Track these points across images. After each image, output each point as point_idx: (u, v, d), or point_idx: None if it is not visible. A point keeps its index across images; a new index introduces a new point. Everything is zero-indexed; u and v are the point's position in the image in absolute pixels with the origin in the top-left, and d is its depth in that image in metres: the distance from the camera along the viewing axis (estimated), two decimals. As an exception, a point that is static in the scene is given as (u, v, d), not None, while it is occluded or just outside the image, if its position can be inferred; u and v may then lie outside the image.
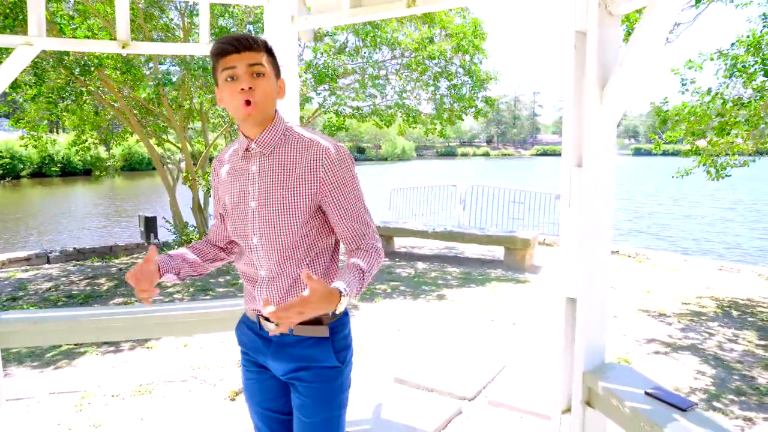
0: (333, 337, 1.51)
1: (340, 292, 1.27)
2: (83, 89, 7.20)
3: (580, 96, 1.85)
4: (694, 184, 21.72)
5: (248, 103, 1.38)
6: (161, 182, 8.98)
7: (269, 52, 1.45)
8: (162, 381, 3.74)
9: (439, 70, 7.40)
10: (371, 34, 6.66)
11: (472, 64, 7.50)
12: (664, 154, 6.71)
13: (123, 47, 2.48)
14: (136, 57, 6.89)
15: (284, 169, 1.44)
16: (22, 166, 34.56)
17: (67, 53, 6.42)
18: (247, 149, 1.47)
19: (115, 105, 7.58)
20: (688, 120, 5.10)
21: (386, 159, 73.16)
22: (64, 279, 7.28)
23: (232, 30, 7.06)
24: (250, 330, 1.61)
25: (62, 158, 35.02)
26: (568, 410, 1.99)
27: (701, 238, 13.27)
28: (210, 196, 8.70)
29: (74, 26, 6.57)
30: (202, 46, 2.60)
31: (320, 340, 1.49)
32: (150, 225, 10.15)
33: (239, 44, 1.38)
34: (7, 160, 33.45)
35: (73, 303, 6.03)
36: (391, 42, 6.83)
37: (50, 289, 6.73)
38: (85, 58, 6.27)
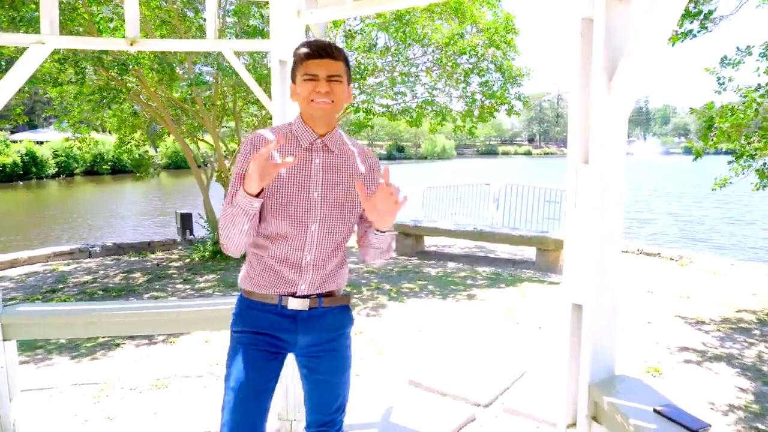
0: (349, 304, 1.82)
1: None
2: (121, 89, 7.41)
3: (587, 87, 1.72)
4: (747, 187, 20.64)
5: (325, 100, 1.54)
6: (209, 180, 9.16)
7: (346, 62, 1.62)
8: (179, 376, 3.78)
9: (470, 66, 7.24)
10: (401, 30, 6.57)
11: (504, 60, 7.30)
12: (717, 153, 6.21)
13: (131, 44, 2.50)
14: (171, 57, 7.04)
15: (346, 167, 1.66)
16: (75, 165, 36.30)
17: (106, 53, 6.61)
18: (312, 142, 1.62)
19: (152, 105, 7.77)
20: (733, 122, 4.75)
21: (425, 158, 72.86)
22: (102, 273, 7.53)
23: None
24: (268, 312, 1.68)
25: (112, 157, 36.47)
26: (574, 425, 1.86)
27: (752, 243, 12.56)
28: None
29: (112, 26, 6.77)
30: (208, 43, 2.59)
31: (343, 308, 1.78)
32: (186, 221, 10.40)
33: (324, 53, 1.54)
34: (63, 159, 35.20)
35: (108, 296, 6.21)
36: (421, 38, 6.73)
37: (88, 282, 6.96)
38: (123, 57, 6.45)
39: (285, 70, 2.57)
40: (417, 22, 6.73)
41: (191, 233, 10.17)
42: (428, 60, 7.47)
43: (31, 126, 40.08)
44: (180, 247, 9.43)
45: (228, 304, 2.72)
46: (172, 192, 25.44)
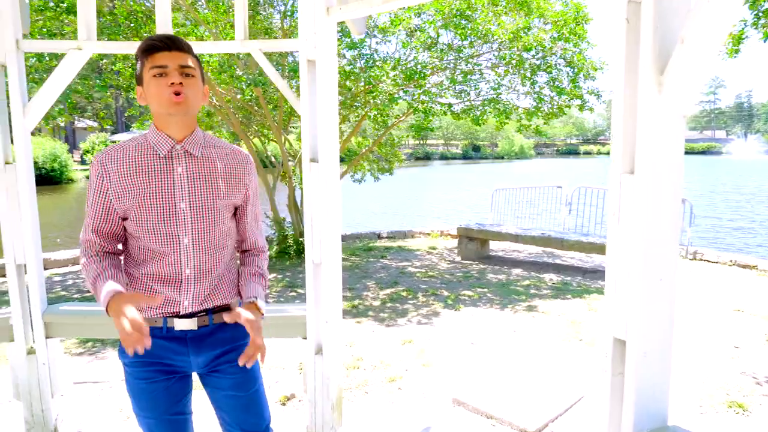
0: None
1: (259, 309, 1.58)
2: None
3: (633, 84, 1.44)
4: None
5: (177, 94, 1.39)
6: (275, 180, 9.34)
7: (195, 56, 1.50)
8: (223, 378, 3.78)
9: (537, 62, 6.82)
10: (463, 27, 6.29)
11: (574, 53, 6.82)
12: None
13: (162, 48, 2.47)
14: (232, 57, 7.20)
15: (214, 172, 1.52)
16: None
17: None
18: (170, 149, 1.47)
19: (219, 106, 8.00)
20: None
21: (502, 157, 71.13)
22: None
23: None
24: (153, 337, 1.52)
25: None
26: (614, 479, 1.58)
27: None
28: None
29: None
30: (237, 44, 2.52)
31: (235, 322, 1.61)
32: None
33: (171, 43, 1.41)
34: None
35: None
36: (484, 34, 6.42)
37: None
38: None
39: (314, 70, 2.45)
40: (480, 17, 6.43)
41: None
42: (492, 57, 7.13)
43: (127, 127, 43.25)
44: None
45: (299, 311, 2.63)
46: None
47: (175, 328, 1.53)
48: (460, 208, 18.59)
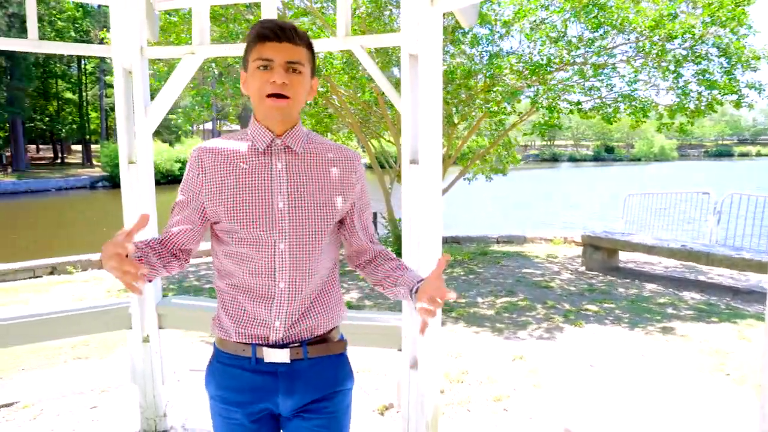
0: (347, 353, 1.47)
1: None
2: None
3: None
4: None
5: (278, 96, 1.27)
6: (392, 181, 9.42)
7: (310, 48, 1.33)
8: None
9: (684, 52, 6.00)
10: (595, 16, 5.72)
11: (731, 41, 5.89)
12: None
13: (267, 48, 2.47)
14: (353, 56, 7.31)
15: (318, 168, 1.36)
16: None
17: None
18: (269, 144, 1.33)
19: (339, 107, 8.19)
20: None
21: (639, 159, 65.60)
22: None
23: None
24: (241, 369, 1.35)
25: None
26: None
27: None
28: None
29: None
30: (339, 41, 2.44)
31: (338, 358, 1.43)
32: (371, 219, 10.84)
33: (282, 33, 1.26)
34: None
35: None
36: (620, 23, 5.79)
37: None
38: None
39: (416, 65, 2.29)
40: (615, 5, 5.81)
41: (375, 231, 10.56)
42: (629, 48, 6.42)
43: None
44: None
45: (395, 320, 2.50)
46: (371, 191, 27.06)
47: (265, 360, 1.34)
48: (586, 214, 17.34)
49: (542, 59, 5.99)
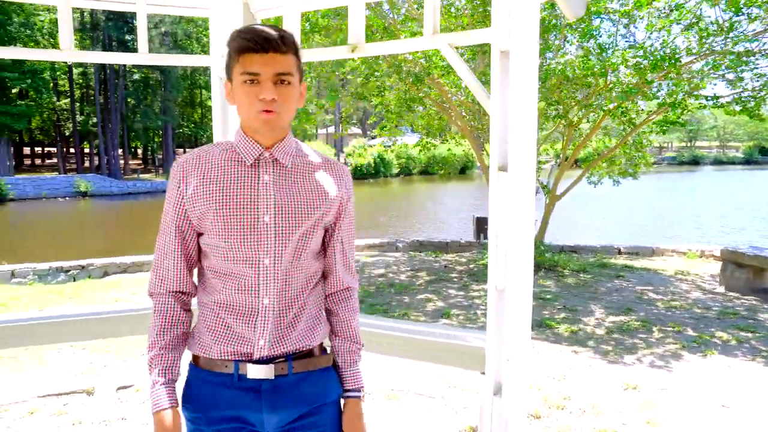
0: (332, 366, 1.42)
1: (360, 398, 1.41)
2: (422, 96, 7.88)
3: None
4: None
5: (268, 111, 1.22)
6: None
7: (297, 53, 1.27)
8: (414, 391, 3.66)
9: None
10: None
11: None
12: None
13: (353, 51, 2.41)
14: (463, 57, 7.11)
15: (306, 182, 1.32)
16: (414, 165, 41.98)
17: (401, 65, 7.09)
18: (257, 158, 1.29)
19: (447, 107, 8.03)
20: None
21: (804, 162, 57.06)
22: (395, 268, 8.20)
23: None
24: (222, 387, 1.29)
25: (443, 158, 40.75)
26: None
27: None
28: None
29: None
30: (425, 40, 2.30)
31: (323, 372, 1.38)
32: (481, 225, 10.52)
33: (267, 44, 1.19)
34: (404, 161, 41.13)
35: (390, 292, 6.67)
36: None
37: (381, 275, 7.66)
38: (417, 68, 6.80)
39: (507, 62, 2.08)
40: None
41: (485, 237, 10.22)
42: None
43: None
44: (474, 251, 9.57)
45: (478, 340, 2.30)
46: (483, 193, 26.53)
47: (248, 376, 1.28)
48: (729, 226, 15.35)
49: (666, 51, 5.30)
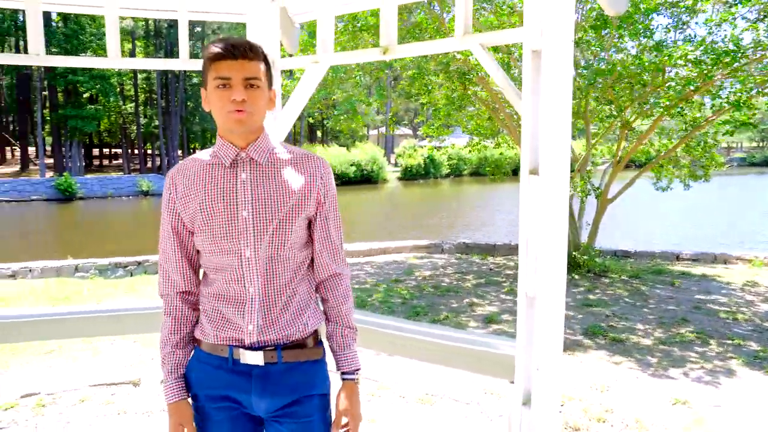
0: (325, 359, 1.50)
1: (355, 381, 1.49)
2: (469, 96, 7.78)
3: None
4: None
5: (240, 111, 1.34)
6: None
7: (265, 61, 1.40)
8: (450, 396, 3.61)
9: None
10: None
11: None
12: None
13: (384, 53, 2.41)
14: (511, 57, 6.96)
15: (281, 177, 1.42)
16: (464, 167, 41.56)
17: (450, 63, 7.02)
18: (234, 158, 1.41)
19: (496, 107, 7.89)
20: None
21: None
22: (441, 270, 8.13)
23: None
24: (217, 368, 1.43)
25: (494, 160, 40.14)
26: None
27: None
28: (585, 202, 8.04)
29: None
30: (456, 41, 2.26)
31: (314, 363, 1.47)
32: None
33: (236, 51, 1.33)
34: (454, 161, 40.78)
35: (436, 293, 6.61)
36: None
37: (427, 277, 7.61)
38: (465, 67, 6.71)
39: (539, 62, 2.02)
40: None
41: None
42: None
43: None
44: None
45: (507, 348, 2.25)
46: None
47: (241, 361, 1.41)
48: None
49: (730, 46, 4.97)
